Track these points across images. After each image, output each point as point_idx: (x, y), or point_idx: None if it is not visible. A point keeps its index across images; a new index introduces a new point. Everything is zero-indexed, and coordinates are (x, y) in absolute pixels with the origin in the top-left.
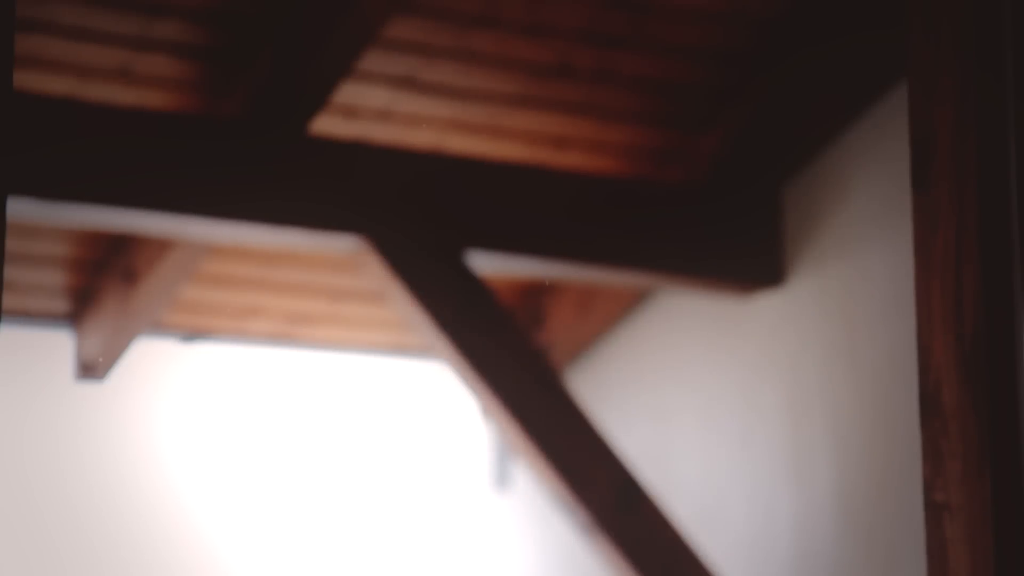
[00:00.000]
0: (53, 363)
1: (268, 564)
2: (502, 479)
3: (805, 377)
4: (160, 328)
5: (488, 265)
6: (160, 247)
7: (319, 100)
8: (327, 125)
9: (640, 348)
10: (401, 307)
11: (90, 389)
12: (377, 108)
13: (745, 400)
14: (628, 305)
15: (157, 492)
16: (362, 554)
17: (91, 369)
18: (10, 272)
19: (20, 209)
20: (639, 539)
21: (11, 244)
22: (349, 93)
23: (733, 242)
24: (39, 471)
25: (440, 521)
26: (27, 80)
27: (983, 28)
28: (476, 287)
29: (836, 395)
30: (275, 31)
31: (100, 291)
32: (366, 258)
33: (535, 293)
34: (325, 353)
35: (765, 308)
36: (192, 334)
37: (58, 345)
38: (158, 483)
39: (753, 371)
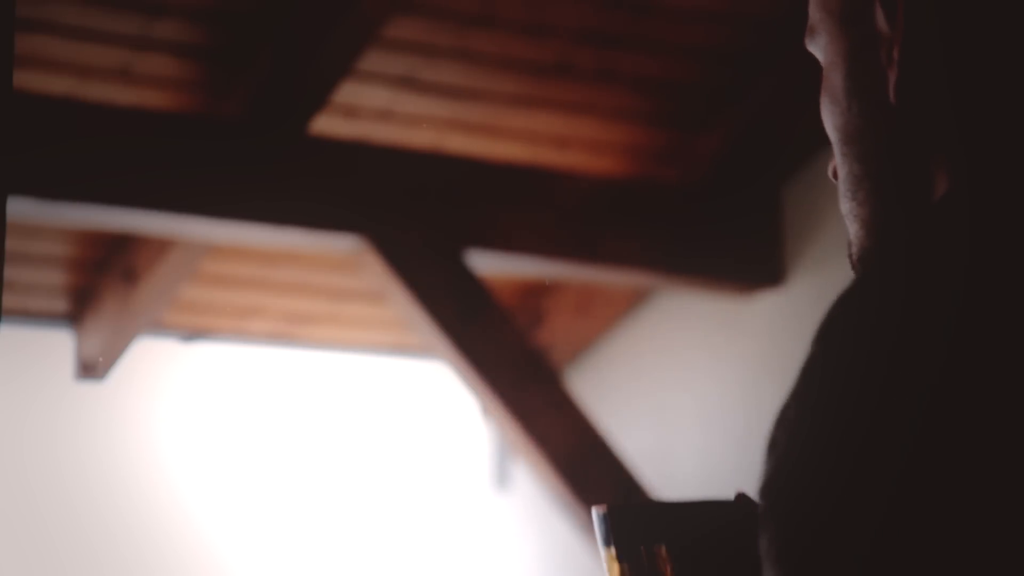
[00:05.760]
0: (53, 363)
1: (268, 564)
2: (502, 479)
3: None
4: (160, 328)
5: (488, 265)
6: (160, 247)
7: (319, 100)
8: (327, 125)
9: (640, 348)
10: (401, 307)
11: (90, 389)
12: (377, 108)
13: (745, 400)
14: (628, 305)
15: (157, 492)
16: (362, 554)
17: (91, 369)
18: (10, 272)
19: (20, 209)
20: None
21: (11, 244)
22: (349, 93)
23: (733, 242)
24: (39, 471)
25: (440, 521)
26: (27, 80)
27: None
28: (476, 287)
29: None
30: (275, 31)
31: (100, 291)
32: (366, 258)
33: (535, 293)
34: (325, 353)
35: (765, 308)
36: (192, 334)
37: (58, 345)
38: (158, 483)
39: (753, 371)
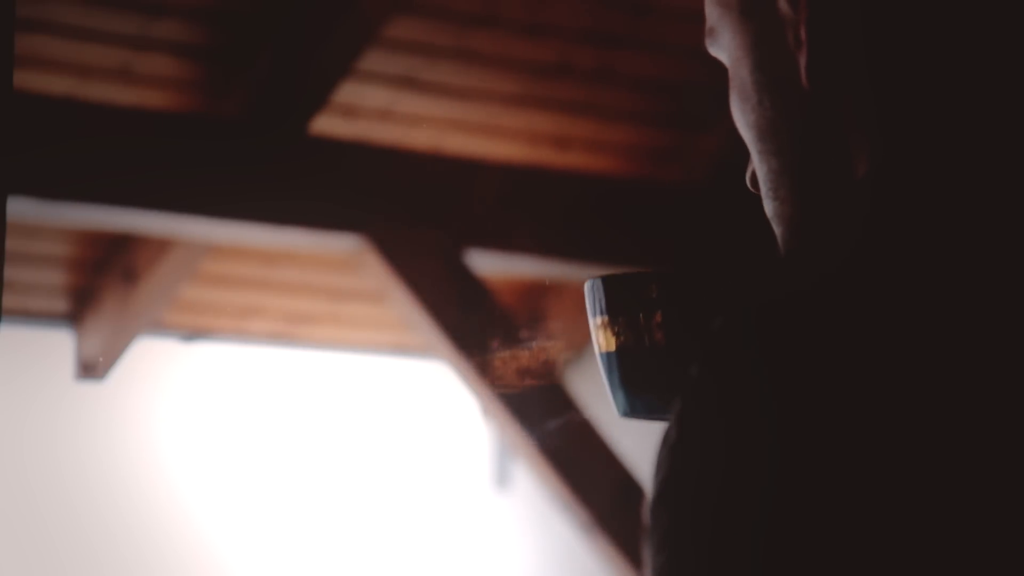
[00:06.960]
0: (53, 363)
1: (268, 564)
2: (502, 479)
3: None
4: (160, 328)
5: (488, 265)
6: (160, 247)
7: (319, 100)
8: (327, 125)
9: None
10: (401, 307)
11: (90, 389)
12: (377, 108)
13: None
14: None
15: (157, 492)
16: (362, 553)
17: (91, 369)
18: (10, 272)
19: (20, 209)
20: (639, 539)
21: (11, 244)
22: (349, 93)
23: (733, 242)
24: (39, 471)
25: (440, 521)
26: (27, 80)
27: None
28: (476, 287)
29: None
30: (275, 31)
31: (100, 291)
32: (366, 258)
33: (535, 293)
34: (325, 353)
35: None
36: (192, 334)
37: (58, 345)
38: (158, 483)
39: None
